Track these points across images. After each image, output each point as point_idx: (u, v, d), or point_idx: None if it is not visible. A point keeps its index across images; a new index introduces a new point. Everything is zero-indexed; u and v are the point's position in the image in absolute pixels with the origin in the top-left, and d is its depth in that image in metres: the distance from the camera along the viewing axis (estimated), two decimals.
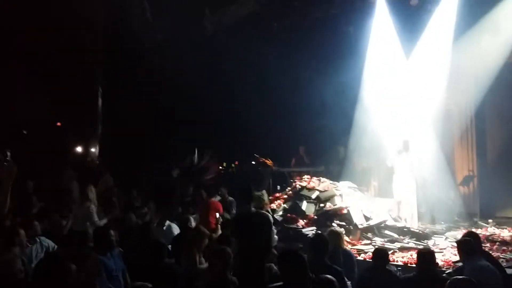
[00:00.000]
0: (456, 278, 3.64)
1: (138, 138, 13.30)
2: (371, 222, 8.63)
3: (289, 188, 10.26)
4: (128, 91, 12.96)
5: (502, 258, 7.02)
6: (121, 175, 11.76)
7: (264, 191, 7.14)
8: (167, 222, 7.93)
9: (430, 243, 8.16)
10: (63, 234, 7.01)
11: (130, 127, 13.05)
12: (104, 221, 7.75)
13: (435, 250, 7.59)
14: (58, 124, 14.69)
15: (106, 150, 14.19)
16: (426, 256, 4.91)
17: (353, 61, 11.68)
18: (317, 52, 12.19)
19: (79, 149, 15.12)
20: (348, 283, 5.05)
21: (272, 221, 5.89)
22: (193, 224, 7.62)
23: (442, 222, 10.17)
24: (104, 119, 14.48)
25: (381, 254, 5.55)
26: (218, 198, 10.20)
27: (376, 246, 7.08)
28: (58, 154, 13.35)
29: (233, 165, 15.72)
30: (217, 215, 7.90)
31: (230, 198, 10.45)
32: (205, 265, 5.65)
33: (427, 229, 9.30)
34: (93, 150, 14.79)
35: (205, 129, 13.97)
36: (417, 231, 8.69)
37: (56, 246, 6.07)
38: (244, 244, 5.37)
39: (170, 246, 6.79)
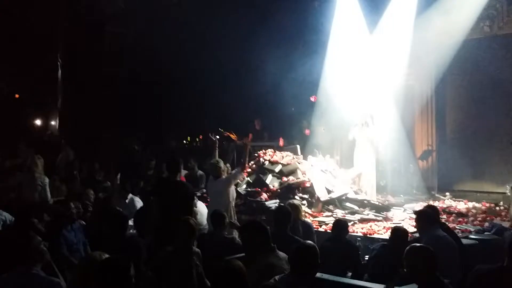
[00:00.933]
0: (414, 245, 3.74)
1: (100, 110, 13.04)
2: (333, 195, 8.77)
3: (252, 162, 10.30)
4: (89, 61, 12.63)
5: (458, 229, 7.24)
6: (82, 148, 11.55)
7: (219, 159, 7.24)
8: (130, 195, 7.87)
9: (389, 214, 8.36)
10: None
11: (91, 99, 12.77)
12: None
13: (394, 221, 7.88)
14: (16, 96, 14.22)
15: (67, 122, 13.86)
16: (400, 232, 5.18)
17: (317, 35, 11.72)
18: (282, 25, 12.14)
19: (38, 122, 14.71)
20: None
21: (192, 192, 6.55)
22: None
23: (401, 195, 10.43)
24: (65, 91, 14.08)
25: (340, 224, 5.71)
26: (184, 172, 10.17)
27: (337, 218, 7.22)
28: (15, 127, 12.97)
29: (197, 139, 15.68)
30: None
31: (200, 172, 10.42)
32: None
33: (386, 202, 9.53)
34: (53, 123, 14.42)
35: (168, 101, 13.83)
36: (377, 203, 8.90)
37: (13, 219, 5.95)
38: (163, 205, 6.13)
39: (132, 219, 6.77)
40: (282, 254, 4.02)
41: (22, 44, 12.45)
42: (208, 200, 7.45)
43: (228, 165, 9.49)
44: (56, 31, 13.16)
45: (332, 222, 6.26)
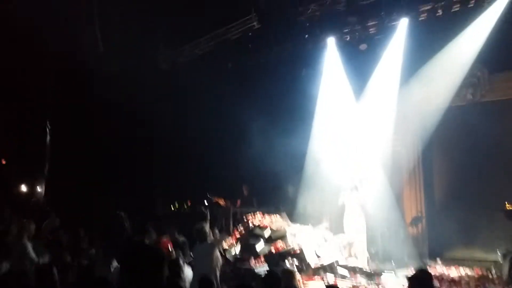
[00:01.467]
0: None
1: (88, 177, 12.90)
2: (324, 261, 8.62)
3: (241, 227, 10.17)
4: (79, 126, 12.63)
5: None
6: (68, 215, 11.33)
7: (205, 224, 7.20)
8: (115, 263, 7.62)
9: (381, 281, 8.19)
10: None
11: (79, 165, 12.66)
12: (45, 258, 7.40)
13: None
14: (3, 161, 14.09)
15: (53, 189, 13.66)
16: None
17: (304, 103, 11.94)
18: (269, 93, 12.39)
19: (24, 188, 14.49)
20: None
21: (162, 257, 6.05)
22: None
23: (392, 262, 10.26)
24: (52, 156, 13.97)
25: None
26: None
27: (328, 285, 7.06)
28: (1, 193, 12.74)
29: (185, 205, 15.49)
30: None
31: (182, 238, 10.29)
32: None
33: (378, 269, 9.36)
34: (39, 189, 14.21)
35: (158, 167, 13.76)
36: (368, 270, 8.74)
37: None
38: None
39: None
40: None
41: (10, 109, 12.44)
42: (193, 264, 7.27)
43: (217, 231, 9.37)
44: (45, 95, 13.12)
45: None
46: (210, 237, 7.16)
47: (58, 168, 13.40)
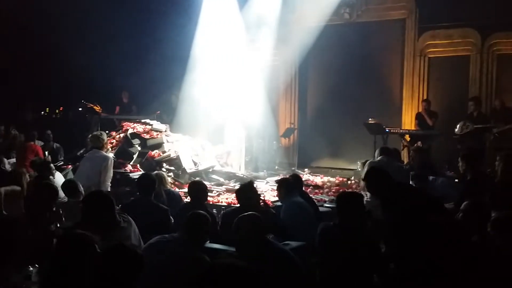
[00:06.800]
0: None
1: None
2: (200, 167, 8.87)
3: (117, 133, 10.00)
4: None
5: (314, 198, 7.75)
6: None
7: (103, 132, 7.06)
8: None
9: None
10: None
11: None
12: None
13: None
14: None
15: None
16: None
17: (188, 11, 11.61)
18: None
19: None
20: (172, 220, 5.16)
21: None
22: (7, 166, 7.08)
23: (264, 170, 10.85)
24: None
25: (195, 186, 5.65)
26: (41, 143, 9.62)
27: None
28: None
29: (57, 111, 14.78)
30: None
31: (57, 144, 10.01)
32: None
33: (250, 175, 9.86)
34: None
35: (26, 71, 12.79)
36: (242, 175, 9.18)
37: None
38: None
39: None
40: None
41: None
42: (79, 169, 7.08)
43: (103, 132, 9.14)
44: None
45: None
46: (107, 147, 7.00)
47: None
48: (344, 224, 4.05)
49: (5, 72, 12.33)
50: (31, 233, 4.25)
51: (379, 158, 7.08)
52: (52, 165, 6.98)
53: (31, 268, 3.40)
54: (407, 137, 10.20)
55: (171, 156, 8.97)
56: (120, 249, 2.78)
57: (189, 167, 8.73)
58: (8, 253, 3.27)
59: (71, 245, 2.89)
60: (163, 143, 9.52)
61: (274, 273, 3.39)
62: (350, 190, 8.65)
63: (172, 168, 8.72)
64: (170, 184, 7.08)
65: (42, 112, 14.59)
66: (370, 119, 10.12)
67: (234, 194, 7.47)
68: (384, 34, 11.54)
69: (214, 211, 6.36)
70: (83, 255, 2.82)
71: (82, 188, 5.55)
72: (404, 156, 9.93)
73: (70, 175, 7.49)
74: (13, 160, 8.57)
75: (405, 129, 10.53)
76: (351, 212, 4.06)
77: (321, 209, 6.72)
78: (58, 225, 4.53)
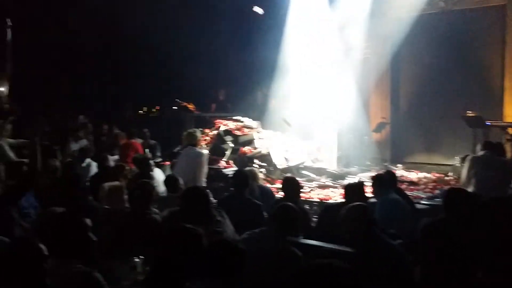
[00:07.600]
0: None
1: (53, 78, 12.57)
2: (290, 163, 8.91)
3: (210, 130, 10.30)
4: (43, 25, 12.07)
5: (410, 195, 7.50)
6: (34, 117, 11.14)
7: (196, 129, 7.38)
8: (88, 160, 7.74)
9: (345, 182, 8.53)
10: None
11: (44, 66, 12.26)
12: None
13: None
14: None
15: (18, 90, 13.27)
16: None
17: (277, 7, 11.68)
18: None
19: None
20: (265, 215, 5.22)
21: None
22: (111, 163, 7.53)
23: (356, 166, 10.65)
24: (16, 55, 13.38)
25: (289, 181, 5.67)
26: (140, 140, 10.13)
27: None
28: None
29: (153, 110, 15.49)
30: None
31: (153, 141, 10.48)
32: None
33: (342, 171, 9.74)
34: (2, 89, 13.76)
35: (126, 72, 13.52)
36: (333, 171, 9.09)
37: None
38: None
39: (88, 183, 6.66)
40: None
41: None
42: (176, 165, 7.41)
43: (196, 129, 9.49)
44: None
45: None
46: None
47: (22, 67, 12.90)
48: (452, 220, 3.93)
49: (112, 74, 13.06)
50: (134, 225, 4.48)
51: (482, 152, 6.72)
52: (151, 161, 7.33)
53: (137, 260, 3.58)
54: (510, 130, 9.56)
55: (262, 152, 9.07)
56: (225, 244, 2.86)
57: (279, 163, 8.79)
58: (114, 244, 3.49)
59: (181, 237, 3.00)
60: (254, 139, 9.67)
61: (378, 266, 3.32)
62: (448, 186, 8.29)
63: (264, 164, 8.82)
64: (262, 180, 7.18)
65: (140, 111, 15.35)
66: (468, 111, 9.62)
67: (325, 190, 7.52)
68: (482, 22, 10.88)
69: (307, 206, 6.35)
70: (192, 248, 2.93)
71: (182, 182, 5.77)
72: (508, 151, 9.31)
73: (168, 171, 7.81)
74: (116, 157, 9.07)
75: (508, 122, 9.88)
76: (459, 207, 3.96)
77: (417, 206, 6.52)
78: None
